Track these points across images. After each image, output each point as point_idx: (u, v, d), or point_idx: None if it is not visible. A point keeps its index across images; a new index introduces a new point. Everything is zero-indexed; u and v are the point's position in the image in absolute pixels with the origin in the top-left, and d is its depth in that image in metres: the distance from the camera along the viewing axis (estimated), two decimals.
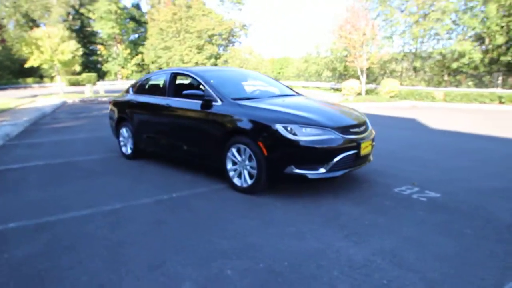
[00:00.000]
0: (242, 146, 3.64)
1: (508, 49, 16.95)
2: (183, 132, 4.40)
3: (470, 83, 19.93)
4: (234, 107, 3.81)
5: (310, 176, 3.36)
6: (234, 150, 3.75)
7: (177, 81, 4.84)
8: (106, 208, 3.32)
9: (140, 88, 5.38)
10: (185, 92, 4.15)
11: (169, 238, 2.67)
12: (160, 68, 37.28)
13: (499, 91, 15.43)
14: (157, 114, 4.75)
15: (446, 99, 15.36)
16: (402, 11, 21.39)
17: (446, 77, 21.58)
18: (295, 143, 3.30)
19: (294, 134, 3.33)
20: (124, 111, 5.44)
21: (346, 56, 22.45)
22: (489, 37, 17.27)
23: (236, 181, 3.79)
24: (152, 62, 41.40)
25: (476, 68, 18.88)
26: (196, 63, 43.49)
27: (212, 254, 2.41)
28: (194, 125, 4.21)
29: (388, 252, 2.43)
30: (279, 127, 3.38)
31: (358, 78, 19.53)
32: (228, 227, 2.83)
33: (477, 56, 17.57)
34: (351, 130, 3.58)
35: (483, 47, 18.11)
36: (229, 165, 3.83)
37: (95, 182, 4.26)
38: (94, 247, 2.55)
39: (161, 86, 4.99)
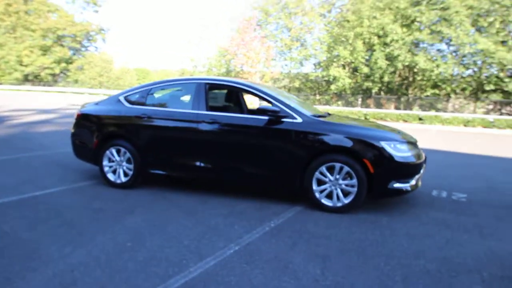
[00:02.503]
0: (337, 164, 3.52)
1: (368, 77, 21.99)
2: (242, 152, 3.83)
3: (339, 102, 24.66)
4: (321, 124, 3.66)
5: (406, 189, 3.60)
6: (324, 169, 3.58)
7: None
8: None
9: (141, 99, 4.29)
10: (261, 107, 3.68)
11: None
12: None
13: (363, 109, 19.84)
14: (192, 130, 3.94)
15: None
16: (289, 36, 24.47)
17: (318, 97, 25.93)
18: (396, 159, 3.49)
19: (396, 151, 3.52)
20: (120, 127, 4.22)
21: (239, 72, 23.74)
22: (357, 66, 21.95)
23: (326, 201, 3.61)
24: None
25: (344, 90, 23.55)
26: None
27: None
28: (261, 144, 3.76)
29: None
30: (384, 144, 3.49)
31: None
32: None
33: (347, 81, 22.00)
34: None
35: (353, 74, 22.75)
36: (315, 186, 3.61)
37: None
38: None
39: (184, 98, 4.23)
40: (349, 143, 3.49)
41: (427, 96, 21.07)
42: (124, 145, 4.14)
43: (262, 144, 3.76)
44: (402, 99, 21.99)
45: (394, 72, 20.96)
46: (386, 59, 19.96)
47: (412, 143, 3.81)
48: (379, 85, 21.64)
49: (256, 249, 2.66)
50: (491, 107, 19.90)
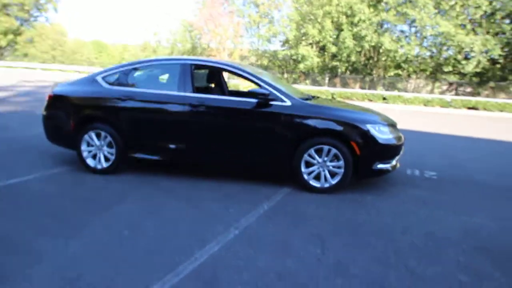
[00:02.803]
0: (326, 147, 3.63)
1: (335, 56, 22.34)
2: (230, 135, 3.80)
3: (307, 81, 24.98)
4: (310, 107, 3.72)
5: (388, 169, 3.82)
6: (312, 151, 3.67)
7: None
8: None
9: (122, 79, 4.07)
10: (251, 90, 3.64)
11: None
12: None
13: (330, 88, 20.36)
14: (178, 113, 3.84)
15: None
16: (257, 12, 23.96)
17: (285, 75, 26.05)
18: (380, 142, 3.67)
19: (380, 133, 3.69)
20: (99, 109, 3.99)
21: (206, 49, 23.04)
22: (324, 45, 22.14)
23: (314, 182, 3.74)
24: None
25: (312, 69, 23.83)
26: None
27: None
28: (251, 127, 3.76)
29: None
30: (370, 127, 3.63)
31: None
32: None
33: (315, 60, 22.23)
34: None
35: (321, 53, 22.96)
36: (304, 168, 3.71)
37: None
38: None
39: (167, 79, 4.09)
40: (337, 127, 3.60)
41: (390, 76, 21.94)
42: (105, 128, 3.96)
43: (252, 126, 3.77)
44: (367, 78, 22.72)
45: (360, 52, 21.48)
46: (353, 39, 20.34)
47: (393, 126, 4.01)
48: (346, 64, 22.14)
49: (255, 233, 2.73)
50: (445, 87, 21.21)
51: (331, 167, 3.67)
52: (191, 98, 3.78)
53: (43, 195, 3.35)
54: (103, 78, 4.10)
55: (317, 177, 3.72)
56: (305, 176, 3.72)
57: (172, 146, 3.90)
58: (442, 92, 19.65)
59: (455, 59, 18.21)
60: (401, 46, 19.11)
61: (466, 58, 17.44)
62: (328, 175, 3.70)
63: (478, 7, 16.83)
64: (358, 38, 20.07)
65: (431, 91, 20.88)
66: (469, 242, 2.72)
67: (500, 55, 17.37)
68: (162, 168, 4.32)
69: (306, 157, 3.68)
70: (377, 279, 2.15)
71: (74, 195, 3.39)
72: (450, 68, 18.32)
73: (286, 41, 24.64)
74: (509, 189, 4.28)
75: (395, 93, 19.15)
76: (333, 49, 21.22)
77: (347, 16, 20.55)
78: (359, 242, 2.66)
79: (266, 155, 3.79)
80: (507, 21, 17.70)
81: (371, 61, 23.73)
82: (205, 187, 3.75)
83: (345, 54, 21.07)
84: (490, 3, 16.88)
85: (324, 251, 2.48)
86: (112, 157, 4.00)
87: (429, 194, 3.89)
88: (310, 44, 22.27)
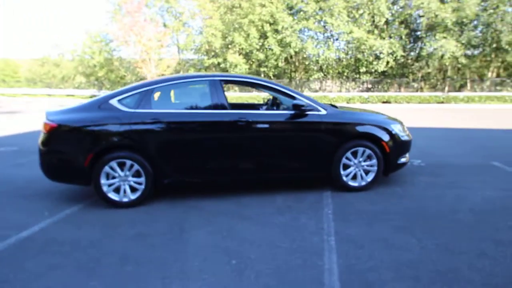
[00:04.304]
0: (361, 149, 3.98)
1: (262, 62, 23.39)
2: (272, 148, 3.85)
3: (236, 88, 25.57)
4: (343, 114, 4.04)
5: (406, 162, 4.38)
6: (349, 154, 3.99)
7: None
8: None
9: (144, 100, 3.72)
10: (296, 103, 3.75)
11: None
12: None
13: (260, 93, 21.32)
14: (219, 131, 3.75)
15: None
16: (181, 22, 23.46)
17: None
18: (401, 139, 4.21)
19: (399, 132, 4.22)
20: (122, 136, 3.59)
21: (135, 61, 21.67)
22: (250, 52, 22.96)
23: (352, 182, 4.06)
24: None
25: None
26: None
27: None
28: (291, 138, 3.89)
29: None
30: (393, 127, 4.13)
31: None
32: None
33: (244, 67, 22.91)
34: None
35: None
36: (342, 170, 4.00)
37: None
38: None
39: (196, 97, 3.97)
40: (372, 130, 4.00)
41: (314, 78, 23.95)
42: (131, 156, 3.62)
43: (293, 137, 3.91)
44: (293, 82, 24.37)
45: (286, 58, 22.95)
46: (279, 45, 21.63)
47: (402, 124, 4.60)
48: (273, 70, 23.35)
49: (350, 236, 2.90)
50: (361, 86, 24.14)
51: (365, 166, 4.05)
52: (230, 115, 3.74)
53: (86, 241, 2.92)
54: (120, 101, 3.73)
55: (354, 177, 4.06)
56: (344, 178, 4.02)
57: (214, 165, 3.79)
58: (361, 90, 22.31)
59: (367, 60, 20.91)
60: (323, 51, 21.08)
61: (377, 58, 20.19)
62: (363, 174, 4.07)
63: (381, 15, 19.69)
64: (283, 44, 21.41)
65: (348, 90, 23.46)
66: (507, 210, 3.38)
67: (401, 56, 20.60)
68: (183, 190, 4.13)
69: (344, 160, 3.98)
70: (487, 252, 2.56)
71: (126, 234, 3.04)
72: (364, 69, 20.95)
73: (199, 50, 24.58)
74: (477, 166, 5.25)
75: (321, 93, 21.02)
76: (261, 56, 22.19)
77: (271, 24, 21.75)
78: (436, 226, 3.05)
79: (306, 162, 3.97)
80: (403, 27, 21.13)
81: (293, 66, 25.52)
82: (251, 203, 3.71)
83: (272, 60, 22.23)
84: (390, 12, 19.92)
85: (420, 239, 2.80)
86: (141, 187, 3.68)
87: (434, 179, 4.57)
88: (237, 52, 22.85)
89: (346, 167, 4.00)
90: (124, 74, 30.21)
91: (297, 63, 25.06)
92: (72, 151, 3.63)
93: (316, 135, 3.91)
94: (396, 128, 4.16)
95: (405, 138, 4.25)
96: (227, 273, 2.38)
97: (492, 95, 19.80)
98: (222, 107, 3.76)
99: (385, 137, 4.03)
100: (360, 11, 19.79)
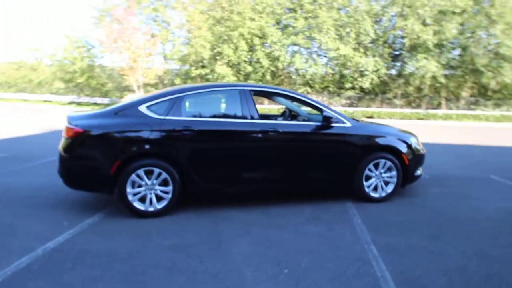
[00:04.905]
0: (382, 160, 4.12)
1: (249, 75, 23.62)
2: (300, 158, 3.92)
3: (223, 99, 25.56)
4: (366, 127, 4.18)
5: (420, 174, 4.56)
6: (371, 166, 4.11)
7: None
8: None
9: (174, 108, 3.69)
10: (326, 115, 3.87)
11: None
12: None
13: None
14: (248, 141, 3.78)
15: None
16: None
17: None
18: (417, 152, 4.40)
19: (416, 145, 4.42)
20: (152, 144, 3.54)
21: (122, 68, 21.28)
22: (238, 64, 23.16)
23: (373, 193, 4.17)
24: None
25: None
26: None
27: None
28: (319, 149, 3.98)
29: None
30: (411, 140, 4.33)
31: (132, 91, 19.51)
32: None
33: (232, 79, 23.04)
34: None
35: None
36: (364, 181, 4.11)
37: None
38: None
39: (226, 106, 3.99)
40: (392, 142, 4.16)
41: (301, 93, 24.38)
42: (159, 164, 3.57)
43: (320, 148, 4.00)
44: None
45: (273, 71, 23.32)
46: (267, 59, 22.00)
47: (417, 138, 4.80)
48: (260, 83, 23.61)
49: (390, 245, 2.98)
50: (344, 101, 24.82)
51: (386, 178, 4.19)
52: (262, 125, 3.79)
53: (113, 255, 2.85)
54: (149, 107, 3.70)
55: (374, 188, 4.18)
56: (366, 189, 4.14)
57: (243, 174, 3.80)
58: (346, 105, 22.93)
59: (352, 76, 21.64)
60: (310, 66, 21.63)
61: (362, 75, 20.94)
62: (384, 185, 4.20)
63: (367, 34, 20.55)
64: (272, 58, 21.79)
65: (332, 105, 24.03)
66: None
67: (385, 73, 21.49)
68: (208, 200, 4.11)
69: (366, 171, 4.10)
70: None
71: (162, 245, 2.98)
72: (349, 85, 21.65)
73: (186, 60, 24.54)
74: (478, 179, 5.53)
75: (308, 108, 21.34)
76: (249, 68, 22.45)
77: (260, 38, 22.13)
78: (465, 233, 3.20)
79: (331, 173, 4.06)
80: (386, 46, 22.12)
81: (279, 79, 25.92)
82: (280, 214, 3.74)
83: (260, 73, 22.53)
84: (375, 31, 20.84)
85: (456, 246, 2.93)
86: (168, 196, 3.62)
87: (444, 189, 4.79)
88: (225, 63, 23.00)
89: (367, 178, 4.12)
90: (106, 81, 29.57)
91: (283, 77, 25.50)
92: (98, 158, 3.54)
93: (342, 147, 4.02)
94: (413, 141, 4.35)
95: (421, 151, 4.45)
96: (284, 282, 2.39)
97: (468, 113, 20.95)
98: (252, 117, 3.80)
99: (405, 150, 4.20)
100: (347, 30, 20.56)
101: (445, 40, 19.85)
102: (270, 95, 4.65)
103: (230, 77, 22.63)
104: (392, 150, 4.16)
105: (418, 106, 23.30)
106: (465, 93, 23.79)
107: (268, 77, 23.30)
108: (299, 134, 3.94)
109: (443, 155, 7.88)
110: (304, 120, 4.42)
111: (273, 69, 22.63)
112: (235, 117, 3.84)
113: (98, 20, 25.97)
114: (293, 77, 23.01)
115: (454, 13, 19.95)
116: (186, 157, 3.62)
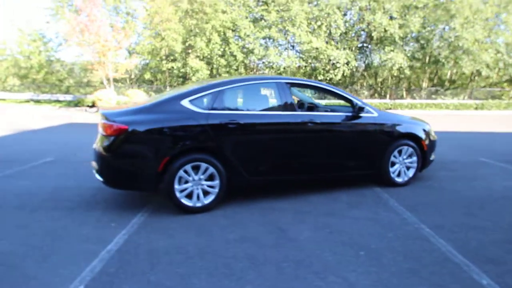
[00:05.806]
0: (405, 147, 4.46)
1: (223, 68, 23.46)
2: (336, 147, 4.13)
3: None
4: (390, 116, 4.48)
5: (433, 159, 4.98)
6: (396, 153, 4.43)
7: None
8: None
9: (216, 101, 3.70)
10: (361, 105, 4.10)
11: None
12: None
13: None
14: (290, 132, 3.92)
15: None
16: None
17: (168, 89, 25.59)
18: (433, 138, 4.81)
19: (431, 132, 4.82)
20: (198, 138, 3.54)
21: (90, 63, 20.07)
22: (210, 57, 22.87)
23: (397, 178, 4.49)
24: None
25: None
26: None
27: None
28: (352, 137, 4.21)
29: None
30: (428, 128, 4.71)
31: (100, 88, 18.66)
32: None
33: (206, 72, 22.76)
34: None
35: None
36: (390, 167, 4.43)
37: None
38: None
39: (263, 99, 4.07)
40: (413, 129, 4.51)
41: None
42: (206, 159, 3.60)
43: (353, 137, 4.24)
44: None
45: (246, 64, 23.35)
46: (241, 52, 21.97)
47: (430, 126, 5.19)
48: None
49: (437, 223, 3.28)
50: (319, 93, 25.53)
51: (408, 163, 4.54)
52: (301, 116, 3.93)
53: (186, 252, 2.89)
54: (191, 102, 3.69)
55: (398, 174, 4.51)
56: (392, 175, 4.45)
57: (285, 165, 3.94)
58: (316, 98, 23.59)
59: (324, 69, 22.29)
60: (283, 59, 21.94)
61: (334, 68, 21.65)
62: (406, 170, 4.55)
63: (338, 27, 21.22)
64: (246, 51, 21.80)
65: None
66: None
67: (354, 66, 22.40)
68: (246, 192, 4.20)
69: (392, 158, 4.42)
70: None
71: (220, 242, 3.05)
72: (321, 77, 22.29)
73: (157, 53, 23.94)
74: (473, 162, 6.11)
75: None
76: (223, 61, 22.28)
77: (233, 31, 22.00)
78: (492, 210, 3.60)
79: (363, 160, 4.32)
80: (355, 39, 23.03)
81: (253, 72, 26.01)
82: (321, 201, 3.93)
83: (234, 67, 22.46)
84: (344, 24, 21.58)
85: (492, 221, 3.31)
86: (214, 190, 3.67)
87: (452, 173, 5.25)
88: (197, 56, 22.61)
89: (392, 164, 4.44)
90: (66, 77, 27.85)
91: (255, 70, 25.60)
92: (146, 155, 3.49)
93: (372, 135, 4.29)
94: (429, 129, 4.74)
95: (435, 137, 4.85)
96: (367, 262, 2.58)
97: (430, 102, 22.49)
98: (292, 109, 3.93)
99: (423, 136, 4.57)
100: (318, 23, 21.08)
101: (409, 33, 21.06)
102: (304, 88, 4.80)
103: (204, 71, 22.34)
104: (413, 137, 4.50)
105: (383, 97, 24.59)
106: (424, 84, 25.46)
107: (242, 70, 23.29)
108: (333, 125, 4.14)
109: None
110: (326, 111, 4.62)
111: (247, 62, 22.64)
112: (276, 109, 3.95)
113: (55, 11, 24.30)
114: (266, 70, 23.22)
115: (416, 7, 21.21)
116: (232, 151, 3.68)
